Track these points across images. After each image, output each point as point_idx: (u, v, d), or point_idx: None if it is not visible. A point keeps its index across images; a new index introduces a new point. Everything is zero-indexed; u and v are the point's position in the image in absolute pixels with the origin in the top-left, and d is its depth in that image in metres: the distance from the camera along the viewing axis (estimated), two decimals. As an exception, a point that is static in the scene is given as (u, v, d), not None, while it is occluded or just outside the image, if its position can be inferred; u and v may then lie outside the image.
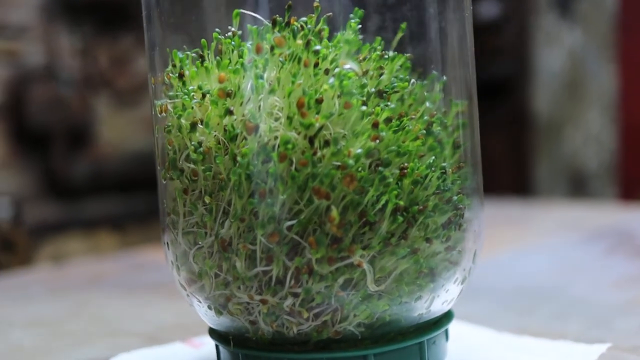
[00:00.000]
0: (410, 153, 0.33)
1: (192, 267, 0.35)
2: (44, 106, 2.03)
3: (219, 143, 0.33)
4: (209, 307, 0.35)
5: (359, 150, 0.31)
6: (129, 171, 1.98)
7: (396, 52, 0.36)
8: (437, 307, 0.36)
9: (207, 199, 0.33)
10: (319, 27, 0.34)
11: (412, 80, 0.36)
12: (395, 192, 0.32)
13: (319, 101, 0.32)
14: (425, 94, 0.38)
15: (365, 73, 0.33)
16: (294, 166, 0.31)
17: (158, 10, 0.36)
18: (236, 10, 0.35)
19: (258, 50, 0.32)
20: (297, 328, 0.33)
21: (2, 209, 2.64)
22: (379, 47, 0.36)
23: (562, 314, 0.51)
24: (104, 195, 1.99)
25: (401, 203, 0.32)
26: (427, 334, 0.36)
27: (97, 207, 1.98)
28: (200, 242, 0.34)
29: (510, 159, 2.38)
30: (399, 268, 0.33)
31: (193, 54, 0.35)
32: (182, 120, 0.34)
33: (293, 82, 0.32)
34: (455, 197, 0.34)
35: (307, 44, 0.32)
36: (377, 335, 0.34)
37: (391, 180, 0.32)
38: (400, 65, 0.36)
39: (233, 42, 0.34)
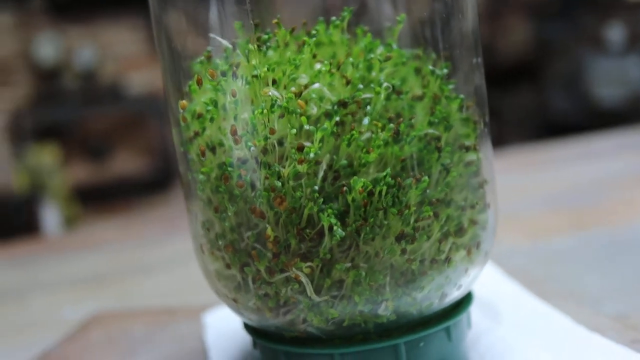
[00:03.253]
0: (369, 165, 0.34)
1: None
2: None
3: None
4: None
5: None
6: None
7: (372, 56, 0.36)
8: (409, 310, 0.35)
9: (189, 205, 0.38)
10: (286, 40, 0.36)
11: (386, 84, 0.35)
12: (330, 210, 0.33)
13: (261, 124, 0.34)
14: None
15: (299, 94, 0.33)
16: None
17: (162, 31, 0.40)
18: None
19: (198, 83, 0.35)
20: (273, 322, 0.37)
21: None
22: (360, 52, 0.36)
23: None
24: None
25: (333, 221, 0.33)
26: (407, 335, 0.36)
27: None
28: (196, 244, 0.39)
29: None
30: (349, 279, 0.34)
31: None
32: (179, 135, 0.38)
33: (236, 108, 0.34)
34: (406, 211, 0.33)
35: (234, 75, 0.33)
36: (349, 334, 0.36)
37: (321, 200, 0.33)
38: (381, 69, 0.35)
39: (218, 62, 0.37)
